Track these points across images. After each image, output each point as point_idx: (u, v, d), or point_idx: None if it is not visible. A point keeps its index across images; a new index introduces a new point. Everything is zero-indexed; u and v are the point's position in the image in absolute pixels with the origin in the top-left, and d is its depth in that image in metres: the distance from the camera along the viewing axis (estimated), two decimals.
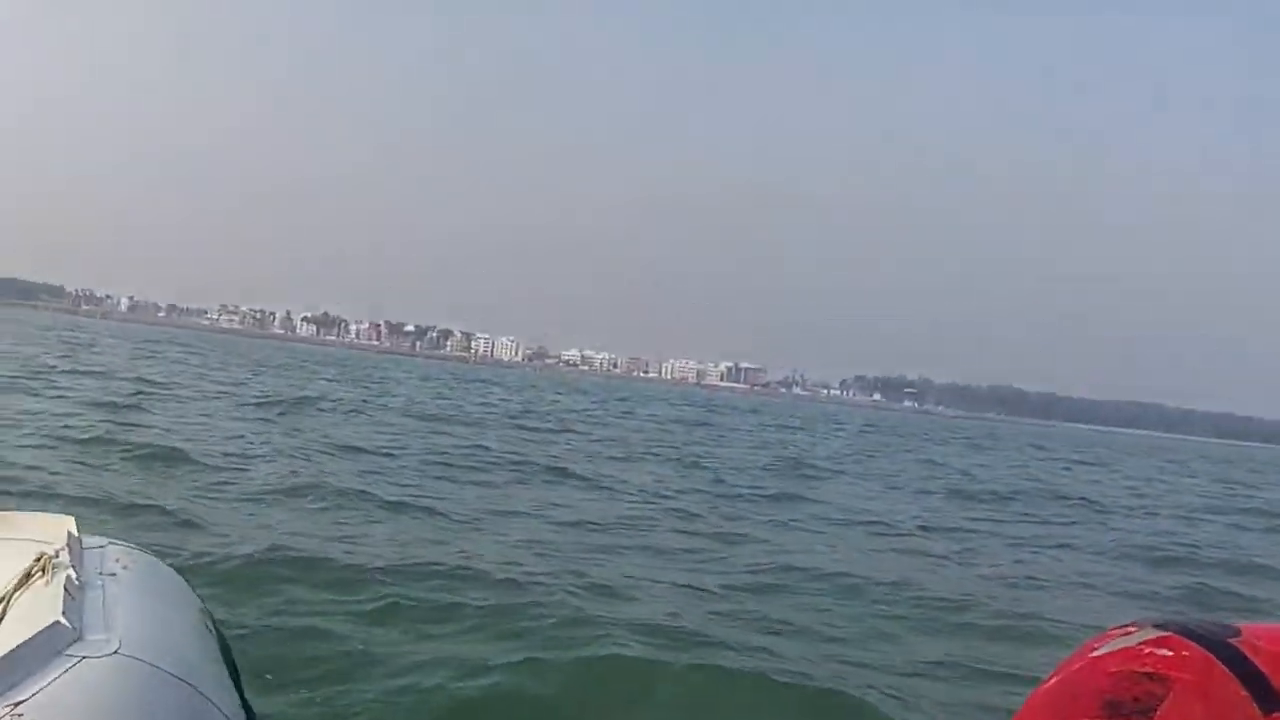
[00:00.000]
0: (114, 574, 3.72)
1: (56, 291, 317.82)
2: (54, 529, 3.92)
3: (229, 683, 3.63)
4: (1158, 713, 1.62)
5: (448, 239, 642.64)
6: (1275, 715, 1.64)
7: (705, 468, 29.30)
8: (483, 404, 52.52)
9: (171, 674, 3.12)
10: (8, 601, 3.35)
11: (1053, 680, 2.02)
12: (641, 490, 21.91)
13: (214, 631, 3.96)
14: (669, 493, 21.95)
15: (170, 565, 4.35)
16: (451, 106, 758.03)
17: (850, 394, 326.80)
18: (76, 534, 3.89)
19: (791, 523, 19.34)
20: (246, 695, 3.98)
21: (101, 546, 4.00)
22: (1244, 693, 1.66)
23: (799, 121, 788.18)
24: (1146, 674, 1.73)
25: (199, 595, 4.18)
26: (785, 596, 12.59)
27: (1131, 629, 1.92)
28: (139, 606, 3.53)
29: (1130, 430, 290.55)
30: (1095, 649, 1.97)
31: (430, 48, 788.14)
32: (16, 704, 2.62)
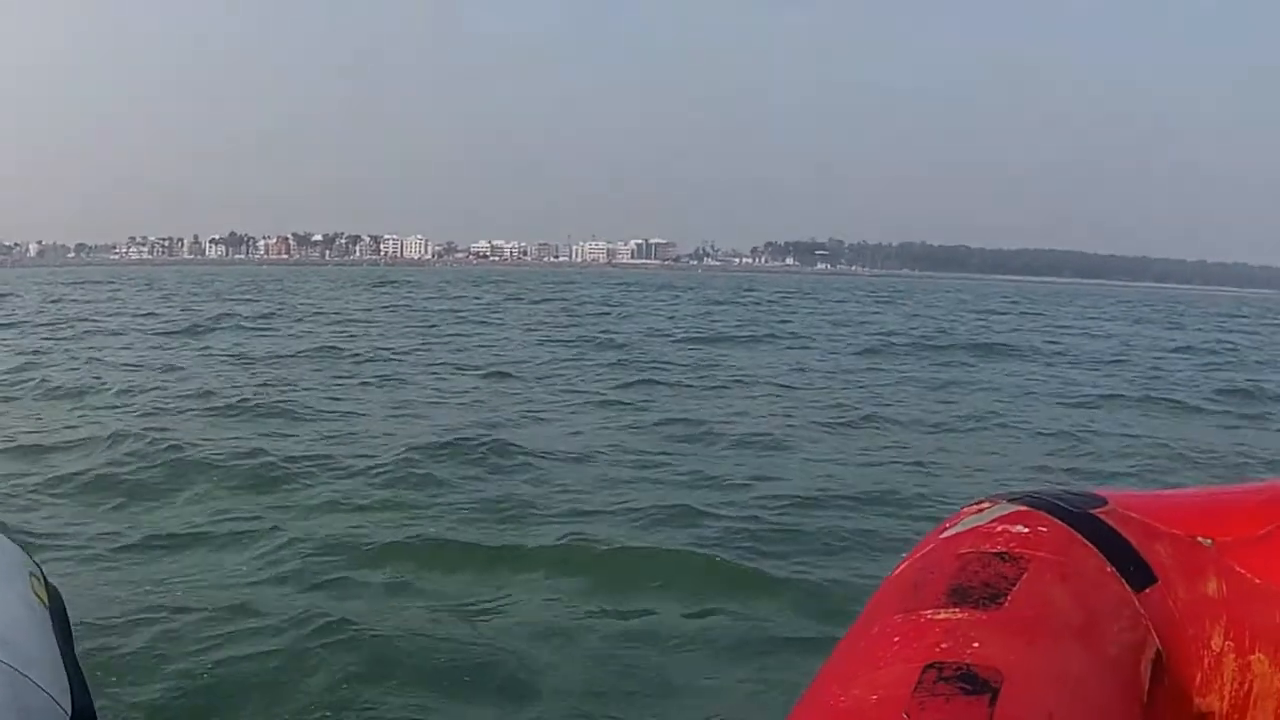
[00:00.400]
0: None
1: None
2: None
3: (55, 655, 3.18)
4: (1009, 597, 1.43)
5: (349, 145, 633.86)
6: (1148, 591, 1.46)
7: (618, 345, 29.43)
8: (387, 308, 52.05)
9: None
10: None
11: (903, 566, 1.78)
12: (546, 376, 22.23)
13: (45, 601, 3.54)
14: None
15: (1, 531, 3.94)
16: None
17: (763, 260, 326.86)
18: None
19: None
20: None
21: None
22: (1109, 569, 1.53)
23: None
24: (998, 554, 1.25)
25: (35, 562, 3.79)
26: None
27: (985, 504, 1.62)
28: None
29: (1048, 279, 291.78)
30: (947, 529, 1.79)
31: None
32: None
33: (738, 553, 9.16)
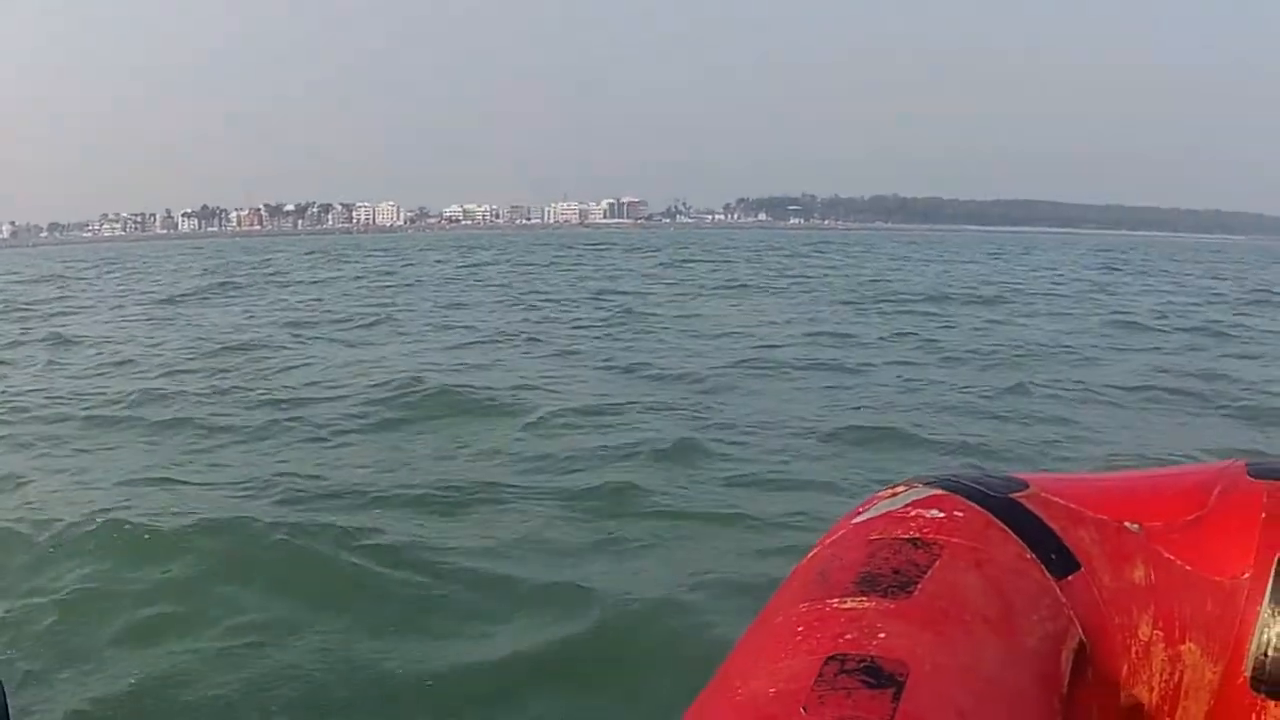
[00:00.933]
0: None
1: None
2: None
3: None
4: (919, 585, 1.32)
5: (318, 112, 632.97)
6: (1070, 578, 1.40)
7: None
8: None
9: None
10: None
11: (812, 553, 1.58)
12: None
13: None
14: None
15: None
16: None
17: (735, 217, 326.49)
18: None
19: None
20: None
21: None
22: (1029, 555, 1.41)
23: None
24: (910, 540, 1.44)
25: None
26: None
27: (900, 488, 1.59)
28: None
29: (1024, 228, 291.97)
30: (860, 514, 1.61)
31: None
32: None
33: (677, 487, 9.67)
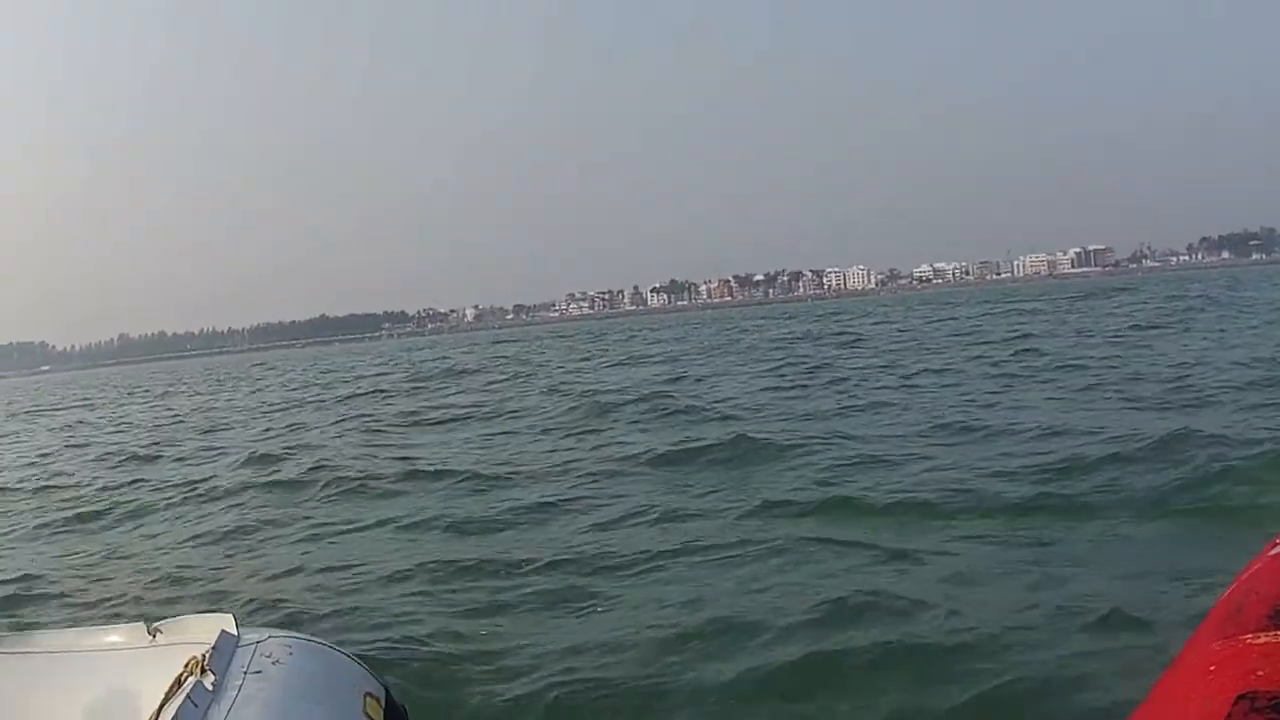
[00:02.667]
0: (259, 671, 3.61)
1: (398, 317, 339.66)
2: (214, 629, 3.85)
3: None
4: None
5: (780, 188, 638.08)
6: None
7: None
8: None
9: None
10: (156, 715, 3.39)
11: (1230, 588, 1.66)
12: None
13: None
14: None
15: (346, 651, 4.16)
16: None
17: (1199, 257, 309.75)
18: (233, 631, 3.85)
19: None
20: None
21: (259, 641, 3.85)
22: None
23: None
24: None
25: (380, 681, 4.03)
26: None
27: None
28: (274, 705, 3.43)
29: None
30: (1277, 545, 1.68)
31: None
32: None
33: None
